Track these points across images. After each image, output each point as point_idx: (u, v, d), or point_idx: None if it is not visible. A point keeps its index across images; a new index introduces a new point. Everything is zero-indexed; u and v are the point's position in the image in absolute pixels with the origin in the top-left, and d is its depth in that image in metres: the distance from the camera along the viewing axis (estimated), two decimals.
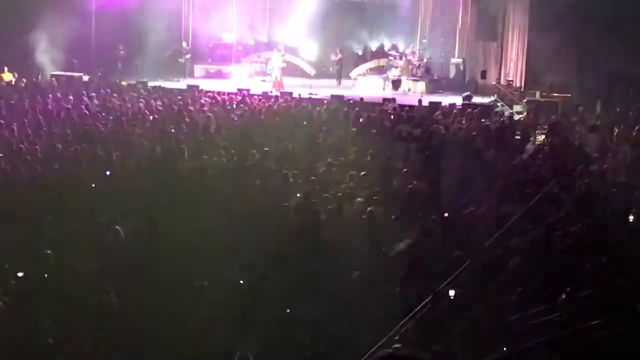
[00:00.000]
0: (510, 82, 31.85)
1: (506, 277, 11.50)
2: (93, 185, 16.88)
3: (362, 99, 27.25)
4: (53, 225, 14.60)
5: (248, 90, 29.01)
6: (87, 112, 23.28)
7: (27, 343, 10.95)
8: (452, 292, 11.95)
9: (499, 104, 28.07)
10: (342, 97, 27.83)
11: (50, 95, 25.45)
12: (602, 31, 28.42)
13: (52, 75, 30.97)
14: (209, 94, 27.88)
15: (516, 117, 26.05)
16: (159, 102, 25.49)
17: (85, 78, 30.85)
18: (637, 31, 27.81)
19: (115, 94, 26.71)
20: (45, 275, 12.86)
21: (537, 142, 22.81)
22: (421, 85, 32.15)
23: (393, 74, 32.83)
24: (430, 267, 13.09)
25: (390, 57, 33.54)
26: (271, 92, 29.80)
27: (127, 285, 12.43)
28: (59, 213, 15.12)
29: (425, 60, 33.31)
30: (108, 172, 17.30)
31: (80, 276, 12.63)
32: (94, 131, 21.06)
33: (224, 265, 13.35)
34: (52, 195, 16.24)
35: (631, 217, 13.34)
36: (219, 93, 27.99)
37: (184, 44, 35.02)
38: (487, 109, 26.51)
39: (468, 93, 30.06)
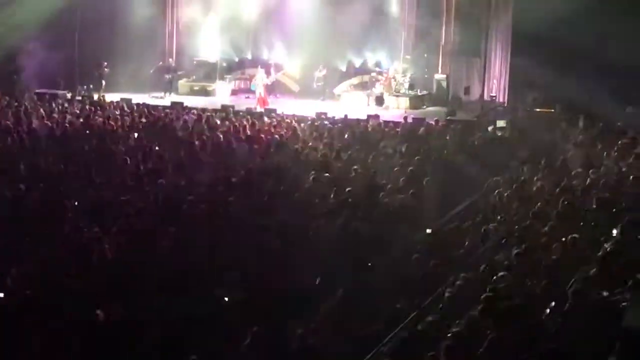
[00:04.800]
0: (494, 98, 31.97)
1: (491, 294, 11.49)
2: (76, 203, 16.82)
3: (346, 115, 27.30)
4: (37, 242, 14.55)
5: (232, 107, 29.04)
6: (70, 130, 23.24)
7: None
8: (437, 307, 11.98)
9: (482, 120, 28.13)
10: (326, 113, 27.89)
11: (35, 114, 25.37)
12: (585, 46, 28.59)
13: (36, 93, 30.91)
14: (193, 110, 27.89)
15: (499, 133, 26.12)
16: (143, 119, 25.48)
17: (69, 96, 30.79)
18: (619, 47, 28.00)
19: (99, 111, 26.68)
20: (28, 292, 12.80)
21: (520, 158, 22.85)
22: (405, 101, 32.25)
23: (377, 90, 32.93)
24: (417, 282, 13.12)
25: (373, 74, 33.69)
26: (255, 108, 29.87)
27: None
28: (42, 232, 15.07)
29: (409, 76, 33.41)
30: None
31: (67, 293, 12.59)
32: (77, 149, 21.02)
33: (209, 282, 13.35)
34: (35, 213, 16.20)
35: (615, 232, 13.39)
36: (203, 110, 28.01)
37: (171, 60, 35.13)
38: (470, 125, 26.61)
39: (452, 109, 30.18)
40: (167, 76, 34.20)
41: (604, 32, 28.56)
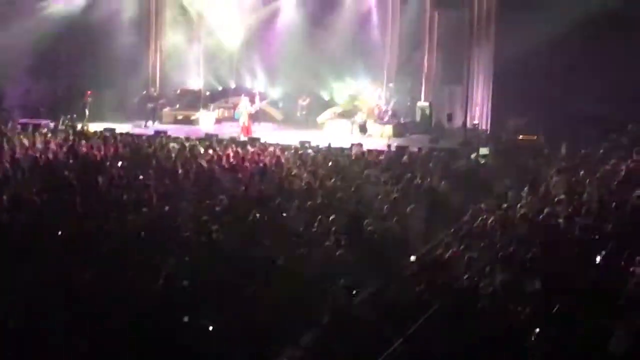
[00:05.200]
0: (476, 125, 32.11)
1: (476, 320, 11.51)
2: (59, 233, 16.72)
3: (329, 143, 27.36)
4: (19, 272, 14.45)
5: (216, 136, 29.06)
6: (54, 159, 23.17)
7: None
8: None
9: (465, 147, 28.25)
10: (309, 142, 27.95)
11: (18, 143, 25.29)
12: (565, 74, 28.83)
13: (20, 123, 30.83)
14: (177, 139, 27.87)
15: (482, 160, 26.22)
16: (127, 149, 25.44)
17: (52, 125, 30.73)
18: (600, 75, 28.24)
19: (82, 141, 26.61)
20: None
21: (503, 185, 22.91)
22: (388, 129, 32.38)
23: (360, 118, 33.07)
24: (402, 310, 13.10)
25: (356, 102, 33.91)
26: (239, 137, 29.90)
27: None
28: (24, 262, 14.97)
29: (392, 104, 33.58)
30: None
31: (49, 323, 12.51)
32: (60, 179, 20.93)
33: (193, 311, 13.30)
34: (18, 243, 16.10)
35: (598, 258, 13.44)
36: (186, 139, 28.00)
37: (153, 90, 35.17)
38: (453, 152, 26.72)
39: (435, 136, 30.31)
40: (150, 105, 34.20)
41: (584, 58, 28.80)
